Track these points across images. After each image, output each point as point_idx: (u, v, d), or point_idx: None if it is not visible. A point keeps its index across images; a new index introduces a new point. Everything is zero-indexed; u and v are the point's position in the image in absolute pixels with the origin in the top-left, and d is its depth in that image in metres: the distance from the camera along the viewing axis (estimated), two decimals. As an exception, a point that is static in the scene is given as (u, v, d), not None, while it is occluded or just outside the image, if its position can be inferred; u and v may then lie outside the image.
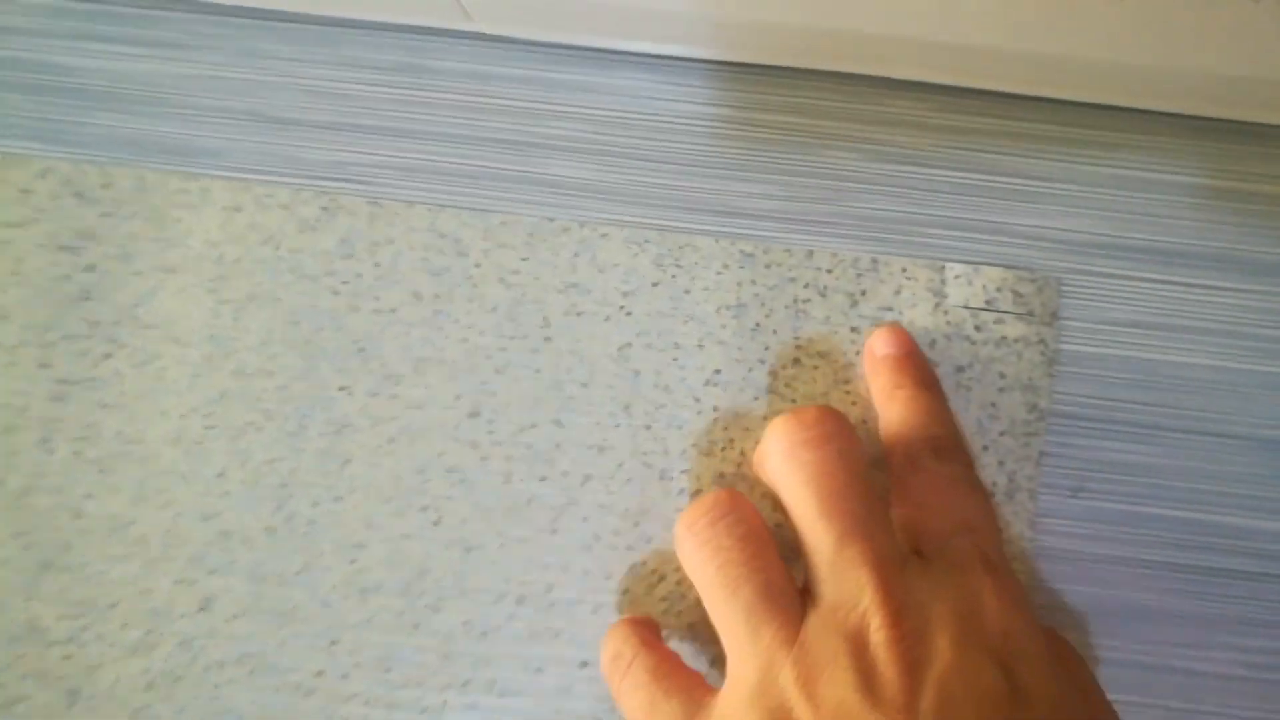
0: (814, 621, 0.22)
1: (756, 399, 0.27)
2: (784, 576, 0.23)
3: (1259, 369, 0.28)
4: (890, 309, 0.28)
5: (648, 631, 0.25)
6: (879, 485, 0.26)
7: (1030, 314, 0.28)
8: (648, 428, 0.27)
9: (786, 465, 0.23)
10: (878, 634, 0.21)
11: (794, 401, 0.27)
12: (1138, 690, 0.26)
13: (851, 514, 0.22)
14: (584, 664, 0.26)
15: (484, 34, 0.29)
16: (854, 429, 0.24)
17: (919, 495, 0.24)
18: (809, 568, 0.22)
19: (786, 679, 0.21)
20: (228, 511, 0.27)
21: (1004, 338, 0.28)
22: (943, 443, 0.25)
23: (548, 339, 0.28)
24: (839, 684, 0.21)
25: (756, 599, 0.22)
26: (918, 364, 0.27)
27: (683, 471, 0.27)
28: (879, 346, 0.27)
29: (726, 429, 0.27)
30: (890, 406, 0.26)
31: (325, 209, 0.28)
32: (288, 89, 0.29)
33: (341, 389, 0.27)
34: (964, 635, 0.21)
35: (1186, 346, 0.28)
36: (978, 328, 0.28)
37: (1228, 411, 0.28)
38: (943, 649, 0.21)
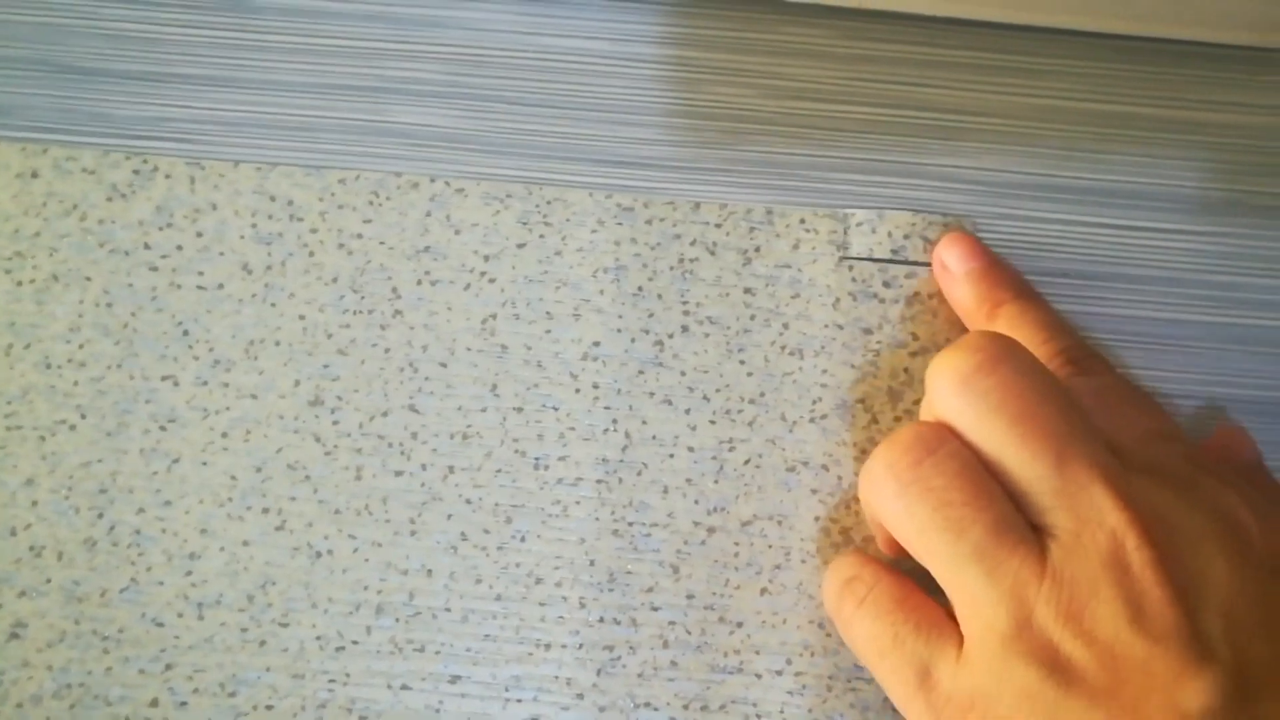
0: (1058, 552, 0.20)
1: (641, 373, 0.25)
2: (1012, 509, 0.21)
3: (1207, 320, 0.27)
4: (788, 265, 0.26)
5: (881, 561, 0.24)
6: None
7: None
8: (519, 410, 0.25)
9: (963, 401, 0.21)
10: (1137, 554, 0.19)
11: (683, 374, 0.25)
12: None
13: (1059, 433, 0.20)
14: (454, 679, 0.25)
15: (321, -36, 0.27)
16: (1021, 344, 0.22)
17: None
18: (1028, 501, 0.21)
19: (1045, 617, 0.20)
20: (37, 524, 0.25)
21: (916, 294, 0.26)
22: (1077, 353, 0.24)
23: (398, 313, 0.26)
24: (1108, 616, 0.19)
25: (987, 538, 0.20)
26: (1009, 272, 0.25)
27: (560, 459, 0.25)
28: (955, 262, 0.25)
29: (609, 409, 0.25)
30: (995, 328, 0.24)
31: (137, 172, 0.26)
32: (88, 34, 0.27)
33: (165, 378, 0.25)
34: (1234, 552, 0.20)
35: (1125, 297, 0.27)
36: (886, 284, 0.26)
37: (1174, 369, 0.26)
38: (1215, 569, 0.20)
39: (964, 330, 0.26)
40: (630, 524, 0.25)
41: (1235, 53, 0.27)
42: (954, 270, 0.25)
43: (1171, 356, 0.26)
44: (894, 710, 0.24)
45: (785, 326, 0.26)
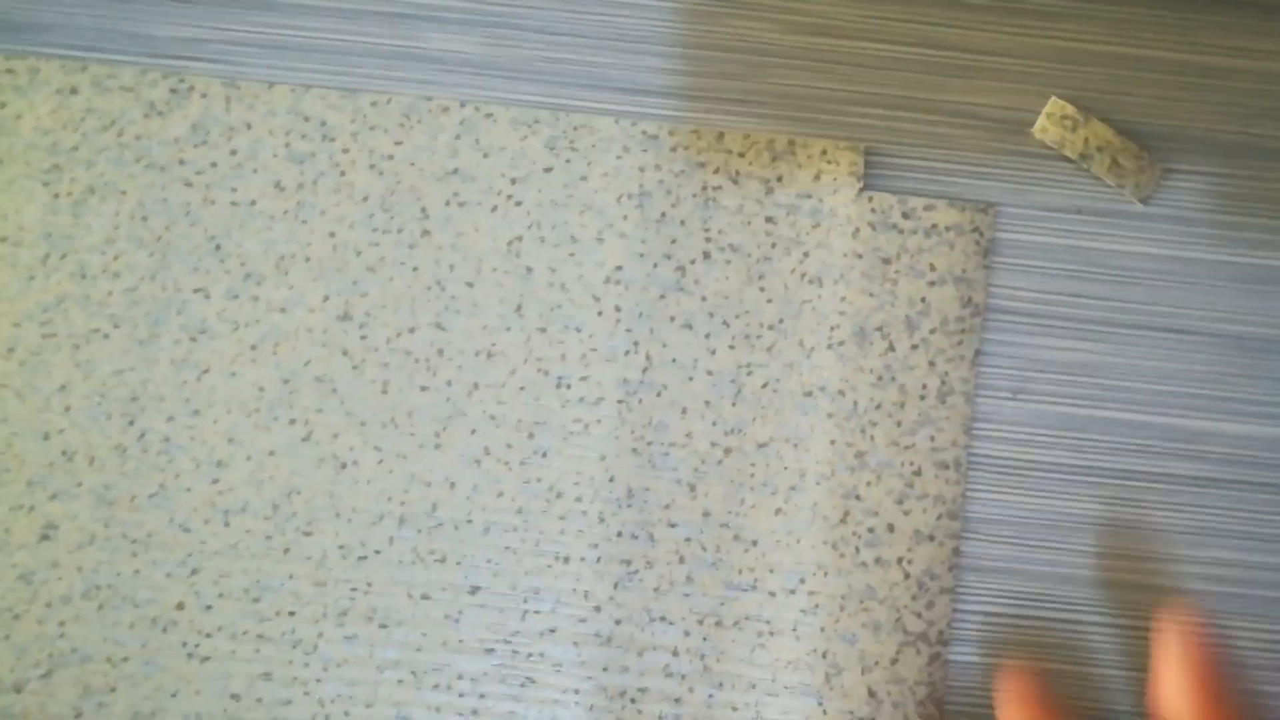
0: None
1: (663, 297, 0.26)
2: None
3: (1213, 258, 0.27)
4: (809, 195, 0.27)
5: None
6: None
7: (962, 198, 0.27)
8: (542, 330, 0.26)
9: None
10: None
11: (703, 300, 0.26)
12: (1083, 608, 0.26)
13: None
14: (474, 590, 0.25)
15: (356, -105, 0.28)
16: None
17: None
18: None
19: None
20: (70, 429, 0.26)
21: (934, 225, 0.27)
22: None
23: (426, 232, 0.26)
24: None
25: None
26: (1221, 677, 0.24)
27: (582, 379, 0.26)
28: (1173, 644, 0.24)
29: (631, 331, 0.26)
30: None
31: (174, 91, 0.27)
32: (129, -45, 0.28)
33: (197, 291, 0.26)
34: None
35: (1135, 234, 0.27)
36: (905, 215, 0.27)
37: (1181, 305, 0.27)
38: None
39: (979, 263, 0.26)
40: (649, 443, 0.26)
41: None
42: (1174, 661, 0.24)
43: (1178, 293, 0.27)
44: (904, 630, 0.25)
45: (805, 255, 0.27)
